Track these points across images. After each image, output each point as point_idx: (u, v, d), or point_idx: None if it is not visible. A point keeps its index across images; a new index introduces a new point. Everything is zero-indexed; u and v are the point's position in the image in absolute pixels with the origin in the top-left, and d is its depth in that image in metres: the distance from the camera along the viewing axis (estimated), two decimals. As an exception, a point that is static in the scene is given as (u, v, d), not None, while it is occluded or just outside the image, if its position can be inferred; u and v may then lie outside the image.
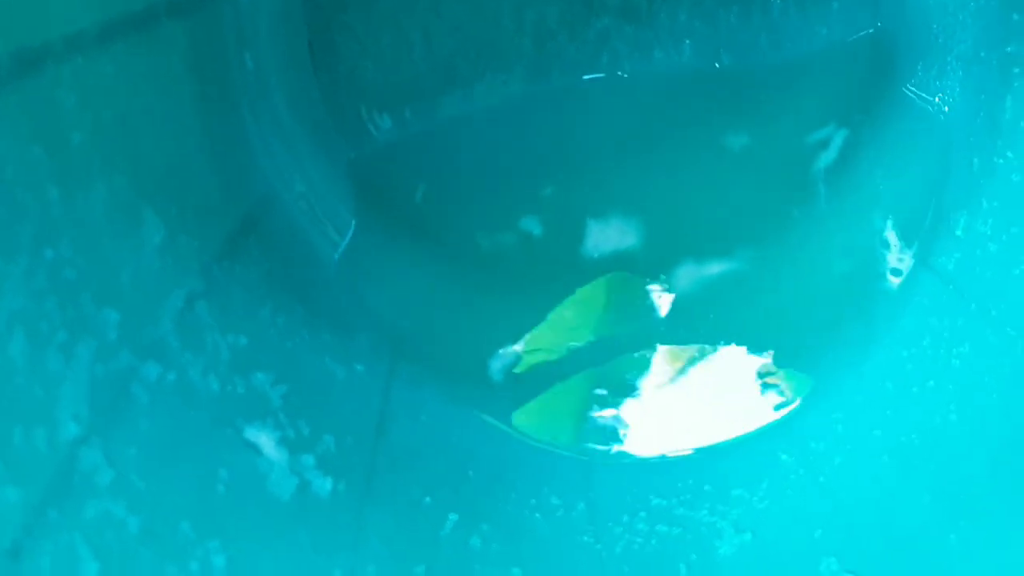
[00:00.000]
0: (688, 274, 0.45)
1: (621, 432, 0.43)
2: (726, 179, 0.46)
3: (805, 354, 0.44)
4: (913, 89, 0.45)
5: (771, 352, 0.44)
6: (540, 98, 0.47)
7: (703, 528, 0.37)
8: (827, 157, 0.46)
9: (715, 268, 0.45)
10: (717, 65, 0.47)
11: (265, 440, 0.30)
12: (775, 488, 0.38)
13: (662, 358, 0.45)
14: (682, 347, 0.45)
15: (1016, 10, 0.37)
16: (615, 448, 0.43)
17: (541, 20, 0.46)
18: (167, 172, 0.30)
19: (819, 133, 0.46)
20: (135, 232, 0.27)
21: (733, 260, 0.45)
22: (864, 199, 0.45)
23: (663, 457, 0.42)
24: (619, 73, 0.47)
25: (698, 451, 0.42)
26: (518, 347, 0.45)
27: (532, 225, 0.46)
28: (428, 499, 0.35)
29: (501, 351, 0.44)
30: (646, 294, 0.46)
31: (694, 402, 0.44)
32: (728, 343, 0.45)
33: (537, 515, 0.37)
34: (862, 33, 0.47)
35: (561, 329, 0.45)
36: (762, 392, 0.43)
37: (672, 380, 0.44)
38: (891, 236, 0.44)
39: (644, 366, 0.44)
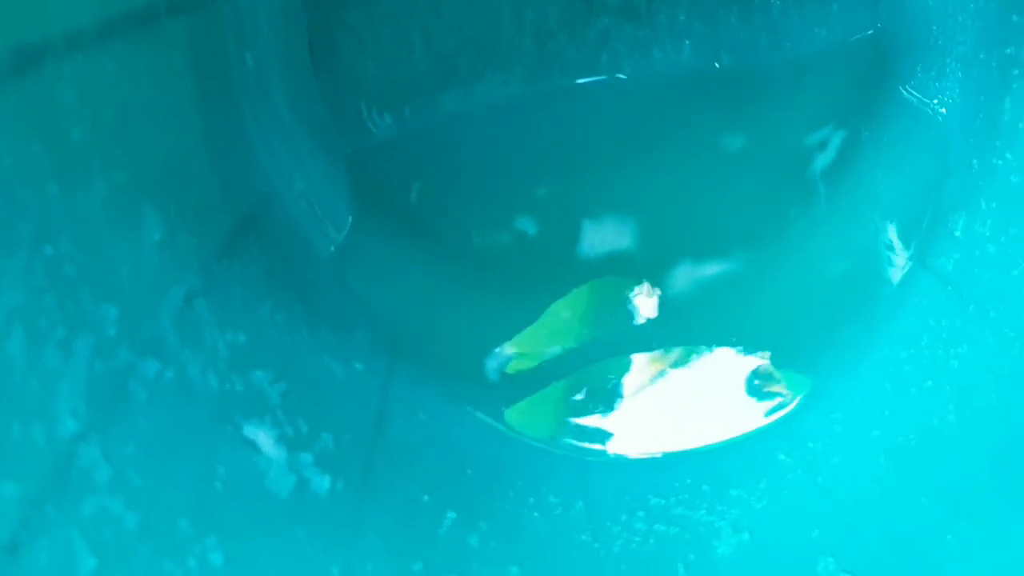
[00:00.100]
0: (686, 274, 0.45)
1: (618, 432, 0.43)
2: (725, 179, 0.46)
3: (803, 354, 0.44)
4: (912, 90, 0.45)
5: (769, 352, 0.44)
6: (539, 98, 0.47)
7: (701, 528, 0.37)
8: (826, 158, 0.46)
9: (713, 268, 0.45)
10: (717, 65, 0.47)
11: (263, 438, 0.30)
12: (773, 488, 0.38)
13: (659, 358, 0.45)
14: (679, 347, 0.45)
15: (1016, 12, 0.37)
16: (612, 448, 0.43)
17: (541, 20, 0.46)
18: (167, 169, 0.30)
19: (818, 134, 0.46)
20: (135, 229, 0.27)
21: (731, 260, 0.45)
22: (863, 200, 0.45)
23: (662, 457, 0.42)
24: (618, 75, 0.47)
25: (696, 451, 0.42)
26: (514, 346, 0.44)
27: (530, 225, 0.46)
28: (426, 497, 0.35)
29: (497, 350, 0.44)
30: (643, 294, 0.46)
31: (691, 402, 0.44)
32: (726, 344, 0.45)
33: (535, 514, 0.37)
34: (862, 34, 0.47)
35: (557, 329, 0.45)
36: (760, 392, 0.43)
37: (669, 380, 0.44)
38: (890, 237, 0.44)
39: (641, 366, 0.44)
